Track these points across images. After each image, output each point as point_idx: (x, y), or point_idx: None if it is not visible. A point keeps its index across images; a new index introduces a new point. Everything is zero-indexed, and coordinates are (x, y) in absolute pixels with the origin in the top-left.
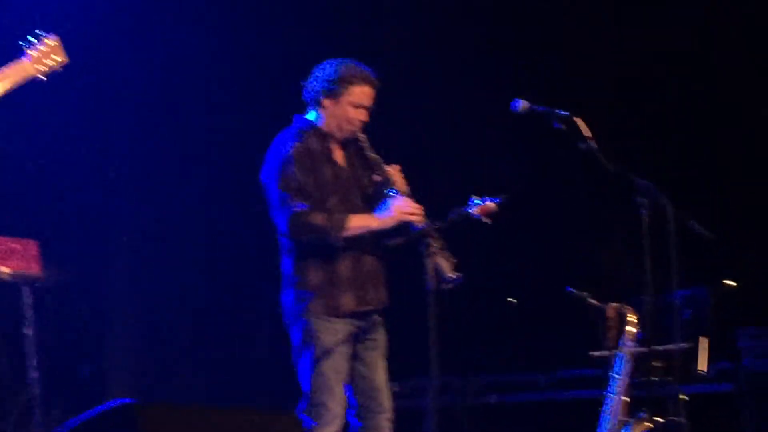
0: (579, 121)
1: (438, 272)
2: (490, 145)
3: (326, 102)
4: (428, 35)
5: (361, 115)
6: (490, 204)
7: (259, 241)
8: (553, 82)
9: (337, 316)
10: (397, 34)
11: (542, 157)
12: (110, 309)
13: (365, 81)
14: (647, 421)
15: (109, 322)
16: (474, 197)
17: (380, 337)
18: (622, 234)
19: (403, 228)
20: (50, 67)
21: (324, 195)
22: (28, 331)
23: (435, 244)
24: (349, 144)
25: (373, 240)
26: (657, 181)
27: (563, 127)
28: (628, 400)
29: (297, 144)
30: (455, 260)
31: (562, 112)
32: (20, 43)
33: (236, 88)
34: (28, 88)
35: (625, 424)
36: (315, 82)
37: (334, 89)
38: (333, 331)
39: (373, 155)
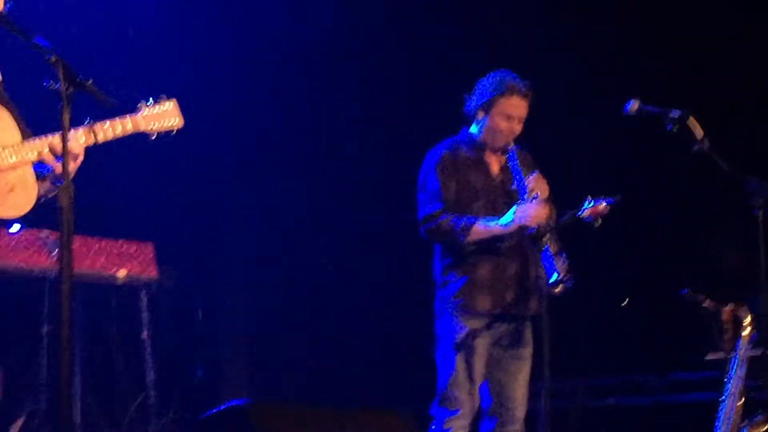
0: (692, 121)
1: (547, 275)
2: (604, 146)
3: (480, 113)
4: (549, 37)
5: (513, 126)
6: (601, 206)
7: (378, 239)
8: (669, 81)
9: (474, 315)
10: (527, 38)
11: (656, 156)
12: (224, 310)
13: (514, 92)
14: (763, 424)
15: (223, 323)
16: (587, 199)
17: (524, 347)
18: (736, 234)
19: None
20: (163, 128)
21: (468, 200)
22: (145, 334)
23: (552, 247)
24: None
25: (519, 247)
26: None
27: (676, 128)
28: (744, 403)
29: (445, 152)
30: (567, 263)
31: (675, 112)
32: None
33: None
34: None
35: (741, 427)
36: (473, 95)
37: (485, 101)
38: (469, 330)
39: (513, 164)
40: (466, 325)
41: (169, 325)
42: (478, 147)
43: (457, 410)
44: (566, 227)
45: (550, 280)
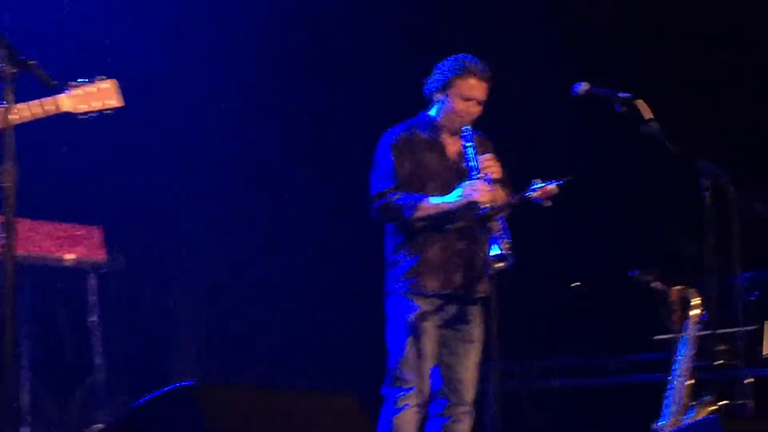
0: (640, 103)
1: (489, 248)
2: (553, 128)
3: (438, 95)
4: (499, 20)
5: (470, 107)
6: (551, 187)
7: (329, 219)
8: (619, 66)
9: (423, 296)
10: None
11: (604, 139)
12: (175, 293)
13: (472, 74)
14: (712, 404)
15: (173, 306)
16: (536, 180)
17: (473, 329)
18: (685, 216)
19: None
20: (96, 108)
21: (422, 181)
22: (94, 317)
23: (495, 228)
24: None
25: (469, 229)
26: (720, 162)
27: (624, 109)
28: (693, 383)
29: (401, 133)
30: (510, 241)
31: (624, 94)
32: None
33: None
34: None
35: (689, 407)
36: (432, 78)
37: (443, 83)
38: (419, 311)
39: (465, 144)
40: (416, 305)
41: (118, 308)
42: (434, 129)
43: (408, 390)
44: (516, 207)
45: (491, 253)
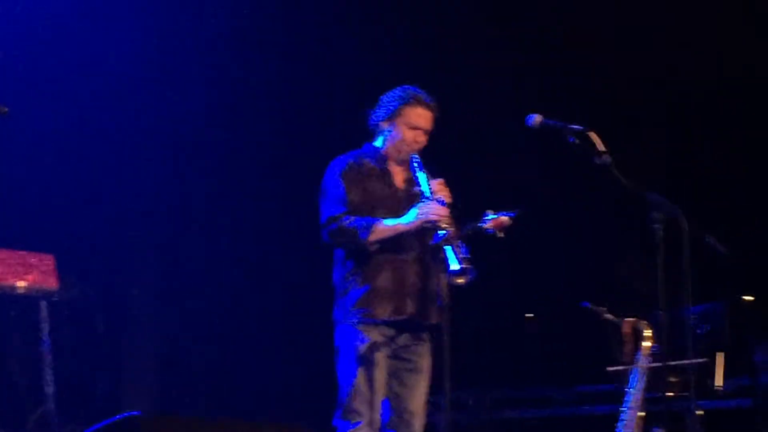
0: (593, 135)
1: (447, 265)
2: (506, 159)
3: (385, 125)
4: (457, 49)
5: (417, 137)
6: (503, 218)
7: (282, 254)
8: (573, 96)
9: (374, 324)
10: (426, 52)
11: (557, 171)
12: (127, 323)
13: (419, 103)
14: None
15: (125, 336)
16: (488, 211)
17: (422, 359)
18: (637, 248)
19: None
20: None
21: (370, 208)
22: (44, 345)
23: (453, 241)
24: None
25: (420, 256)
26: (672, 195)
27: (577, 141)
28: (644, 414)
29: (350, 160)
30: (468, 256)
31: (576, 127)
32: None
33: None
34: (51, 100)
35: None
36: (377, 109)
37: (391, 112)
38: (369, 341)
39: (414, 168)
40: (366, 335)
41: (70, 336)
42: (382, 159)
43: (358, 422)
44: (469, 238)
45: (451, 269)
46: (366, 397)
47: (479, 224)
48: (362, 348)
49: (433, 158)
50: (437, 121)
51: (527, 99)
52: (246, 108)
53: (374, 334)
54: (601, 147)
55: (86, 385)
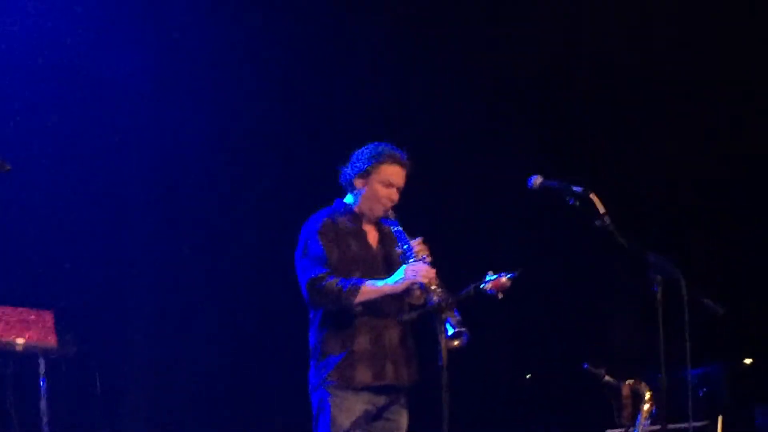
0: (594, 197)
1: (444, 330)
2: (506, 221)
3: (358, 182)
4: (449, 112)
5: (391, 194)
6: (503, 279)
7: (277, 306)
8: (571, 158)
9: (353, 389)
10: (418, 112)
11: (558, 231)
12: (125, 381)
13: (394, 160)
14: None
15: (123, 393)
16: (489, 272)
17: (400, 417)
18: (636, 310)
19: (420, 304)
20: None
21: (348, 269)
22: (42, 402)
23: (448, 315)
24: (382, 225)
25: (398, 316)
26: (671, 257)
27: (577, 203)
28: None
29: (326, 219)
30: (459, 317)
31: (577, 188)
32: None
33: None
34: (49, 155)
35: None
36: (349, 166)
37: (364, 169)
38: (346, 406)
39: (396, 228)
40: (345, 402)
41: (68, 394)
42: (355, 217)
43: None
44: (468, 300)
45: (448, 334)
46: None
47: (480, 285)
48: (341, 415)
49: (435, 218)
50: (443, 179)
51: (527, 161)
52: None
53: (352, 400)
54: (601, 209)
55: None
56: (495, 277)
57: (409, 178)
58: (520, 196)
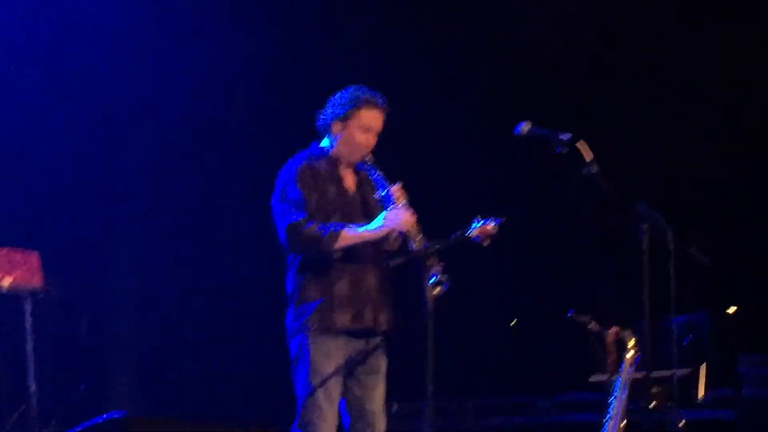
0: (581, 144)
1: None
2: (493, 168)
3: (336, 127)
4: (434, 56)
5: (369, 139)
6: (489, 226)
7: (262, 257)
8: (558, 104)
9: (332, 333)
10: (403, 57)
11: (544, 179)
12: (110, 322)
13: (372, 105)
14: None
15: (109, 335)
16: (476, 219)
17: (379, 361)
18: (623, 258)
19: (403, 248)
20: None
21: (327, 213)
22: (28, 343)
23: (431, 264)
24: (359, 169)
25: (376, 261)
26: (657, 206)
27: (565, 150)
28: (627, 424)
29: (304, 163)
30: (442, 265)
31: (564, 135)
32: None
33: (254, 112)
34: (34, 96)
35: None
36: (327, 110)
37: (342, 114)
38: (326, 351)
39: (375, 174)
40: (324, 345)
41: (53, 335)
42: (332, 161)
43: None
44: (454, 246)
45: (430, 282)
46: (322, 408)
47: (466, 233)
48: (320, 359)
49: (420, 165)
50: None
51: (514, 105)
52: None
53: (332, 344)
54: (589, 156)
55: (69, 384)
56: (481, 223)
57: (396, 122)
58: (507, 143)
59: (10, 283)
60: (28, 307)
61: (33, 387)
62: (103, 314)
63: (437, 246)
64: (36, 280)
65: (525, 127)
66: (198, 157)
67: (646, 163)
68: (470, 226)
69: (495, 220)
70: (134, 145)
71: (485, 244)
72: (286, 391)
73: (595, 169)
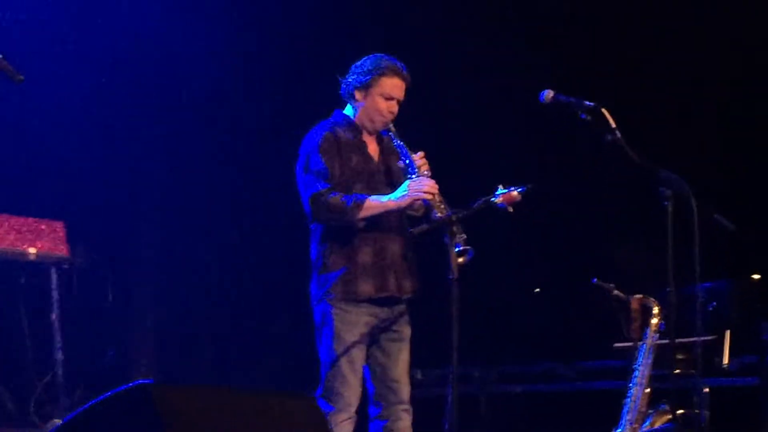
0: (605, 112)
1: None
2: (518, 135)
3: (358, 95)
4: (458, 24)
5: (392, 107)
6: (513, 193)
7: (286, 227)
8: (582, 71)
9: (356, 302)
10: (426, 24)
11: (569, 146)
12: (136, 291)
13: (395, 73)
14: (668, 413)
15: (134, 304)
16: (499, 186)
17: (403, 328)
18: (646, 225)
19: (427, 216)
20: None
21: (350, 182)
22: (54, 313)
23: (456, 231)
24: (382, 137)
25: (399, 229)
26: (682, 172)
27: (589, 117)
28: (650, 391)
29: (326, 133)
30: (464, 236)
31: (588, 103)
32: None
33: (274, 81)
34: (66, 69)
35: (646, 415)
36: (350, 77)
37: (365, 81)
38: (349, 319)
39: (397, 142)
40: (347, 314)
41: (79, 304)
42: (355, 129)
43: (339, 405)
44: (479, 213)
45: (455, 250)
46: (346, 378)
47: (490, 199)
48: (344, 327)
49: (443, 133)
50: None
51: (539, 73)
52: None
53: (355, 313)
54: (612, 124)
55: (94, 353)
56: (506, 191)
57: (418, 90)
58: (531, 110)
59: (36, 252)
60: (54, 277)
61: (59, 356)
62: (128, 283)
63: (461, 213)
64: (62, 250)
65: (548, 94)
66: (220, 124)
67: (670, 130)
68: (494, 193)
69: (519, 188)
70: (159, 116)
71: (509, 210)
72: (310, 358)
73: (619, 135)
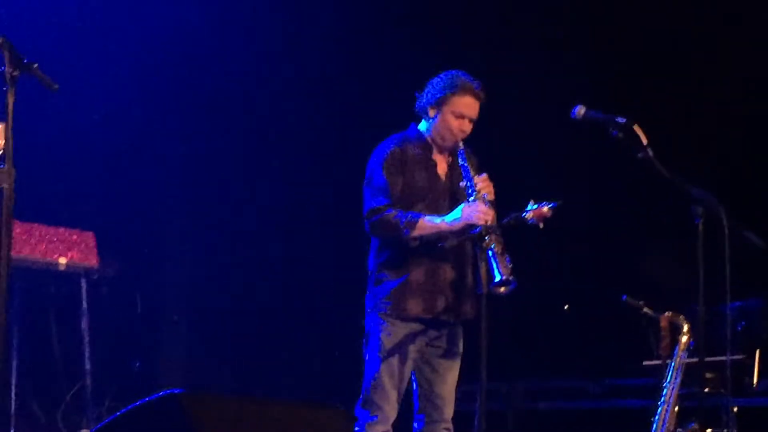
0: (637, 129)
1: (488, 275)
2: (549, 150)
3: (431, 111)
4: (498, 41)
5: (463, 125)
6: (544, 209)
7: (317, 236)
8: (615, 89)
9: (402, 320)
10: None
11: (599, 163)
12: (164, 301)
13: (467, 91)
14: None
15: (162, 313)
16: (530, 202)
17: (454, 347)
18: (677, 243)
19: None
20: None
21: (411, 200)
22: (83, 322)
23: (496, 248)
24: (454, 156)
25: (455, 251)
26: (713, 190)
27: (620, 134)
28: (679, 409)
29: (394, 148)
30: (511, 265)
31: (621, 119)
32: None
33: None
34: (89, 83)
35: None
36: (425, 93)
37: (438, 98)
38: (396, 334)
39: (461, 163)
40: (394, 329)
41: (108, 314)
42: (426, 145)
43: (376, 416)
44: (509, 229)
45: (495, 281)
46: (387, 391)
47: (521, 215)
48: (389, 341)
49: (477, 148)
50: (483, 109)
51: (572, 89)
52: (290, 91)
53: (402, 328)
54: (644, 140)
55: (123, 363)
56: (536, 206)
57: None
58: (562, 127)
59: (67, 262)
60: (83, 287)
61: (88, 365)
62: (157, 293)
63: (490, 227)
64: (92, 260)
65: (580, 110)
66: (251, 135)
67: (701, 147)
68: (525, 208)
69: (550, 203)
70: (188, 128)
71: (540, 226)
72: (343, 368)
73: (650, 152)
